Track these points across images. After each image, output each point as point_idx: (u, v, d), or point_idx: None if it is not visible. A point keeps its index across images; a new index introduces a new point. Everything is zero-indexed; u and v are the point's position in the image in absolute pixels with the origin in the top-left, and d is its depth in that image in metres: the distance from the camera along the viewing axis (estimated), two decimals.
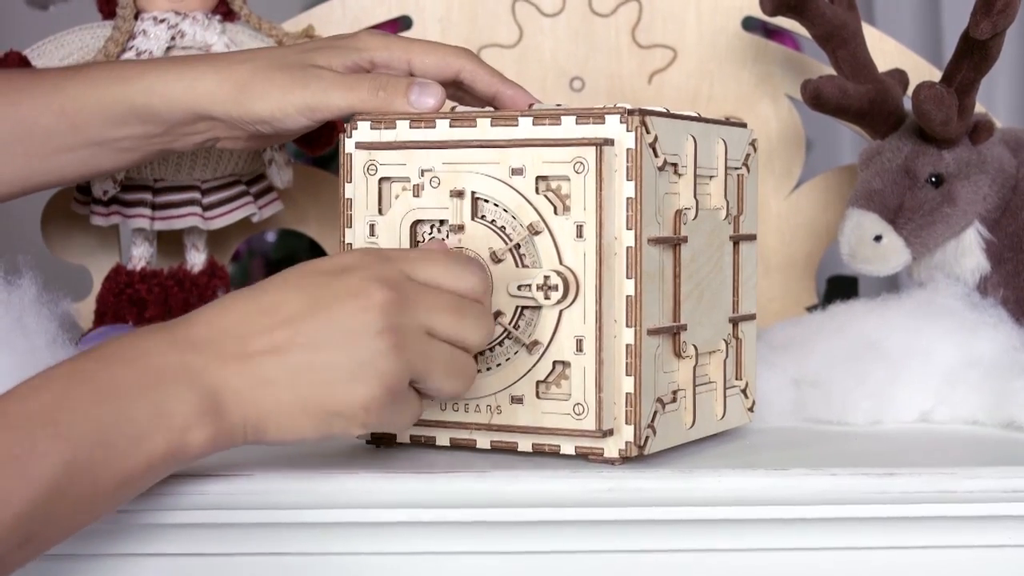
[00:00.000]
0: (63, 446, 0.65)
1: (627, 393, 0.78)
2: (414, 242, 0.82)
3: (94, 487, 0.66)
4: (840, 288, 1.34)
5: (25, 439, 0.64)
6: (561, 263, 0.78)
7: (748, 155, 0.89)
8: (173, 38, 1.08)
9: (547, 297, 0.78)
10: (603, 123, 0.78)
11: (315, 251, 1.33)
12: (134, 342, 0.70)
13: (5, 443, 0.63)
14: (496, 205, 0.80)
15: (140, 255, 1.12)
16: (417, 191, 0.82)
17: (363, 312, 0.71)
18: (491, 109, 0.90)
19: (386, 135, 0.84)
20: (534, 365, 0.79)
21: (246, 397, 0.70)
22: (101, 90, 0.93)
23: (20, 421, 0.65)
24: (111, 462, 0.66)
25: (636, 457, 0.79)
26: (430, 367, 0.73)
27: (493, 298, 0.79)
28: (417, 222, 0.82)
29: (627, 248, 0.78)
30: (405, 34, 1.21)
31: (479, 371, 0.80)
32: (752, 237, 0.90)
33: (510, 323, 0.80)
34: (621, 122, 0.78)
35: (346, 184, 0.84)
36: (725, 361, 0.87)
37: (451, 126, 0.82)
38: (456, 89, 0.94)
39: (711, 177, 0.86)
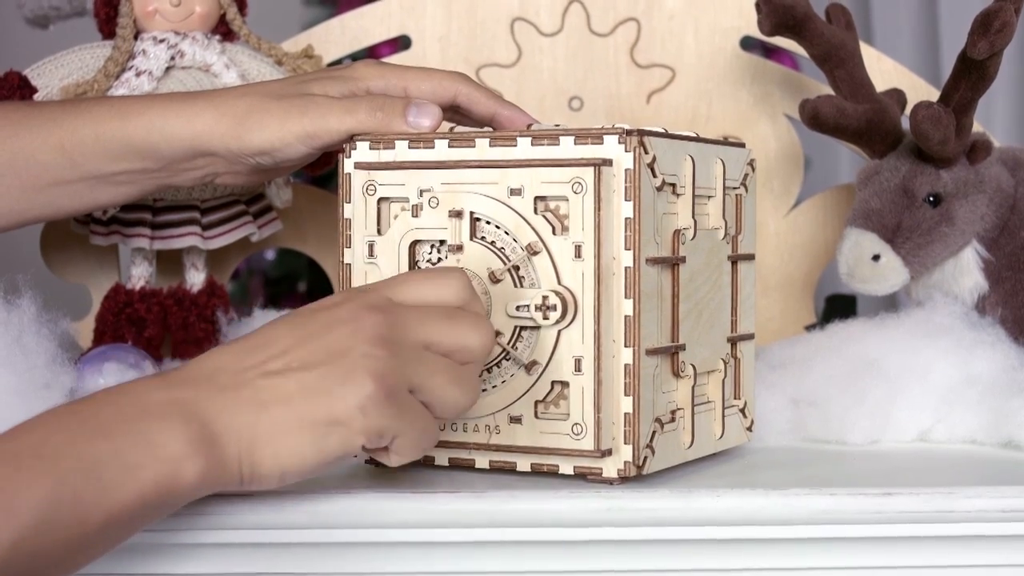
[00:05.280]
0: (48, 479, 0.63)
1: (626, 413, 0.78)
2: (413, 261, 0.82)
3: (83, 522, 0.65)
4: (839, 307, 1.34)
5: (10, 473, 0.63)
6: (559, 283, 0.79)
7: (746, 175, 0.89)
8: (173, 58, 1.08)
9: (545, 317, 0.78)
10: (601, 143, 0.78)
11: (314, 269, 1.33)
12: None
13: None
14: (495, 225, 0.80)
15: (139, 274, 1.12)
16: (416, 211, 0.82)
17: (354, 333, 0.71)
18: (490, 130, 0.91)
19: (385, 155, 0.84)
20: (532, 385, 0.79)
21: (240, 422, 0.69)
22: (101, 126, 0.93)
23: (6, 457, 0.64)
24: (100, 495, 0.65)
25: (634, 477, 0.79)
26: (429, 375, 0.73)
27: (492, 319, 0.79)
28: (416, 242, 0.82)
29: (625, 268, 0.78)
30: (404, 54, 1.21)
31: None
32: (750, 257, 0.90)
33: (509, 343, 0.80)
34: (619, 142, 0.78)
35: (345, 204, 0.84)
36: (724, 381, 0.87)
37: (450, 146, 0.82)
38: (454, 113, 0.94)
39: (709, 197, 0.86)
